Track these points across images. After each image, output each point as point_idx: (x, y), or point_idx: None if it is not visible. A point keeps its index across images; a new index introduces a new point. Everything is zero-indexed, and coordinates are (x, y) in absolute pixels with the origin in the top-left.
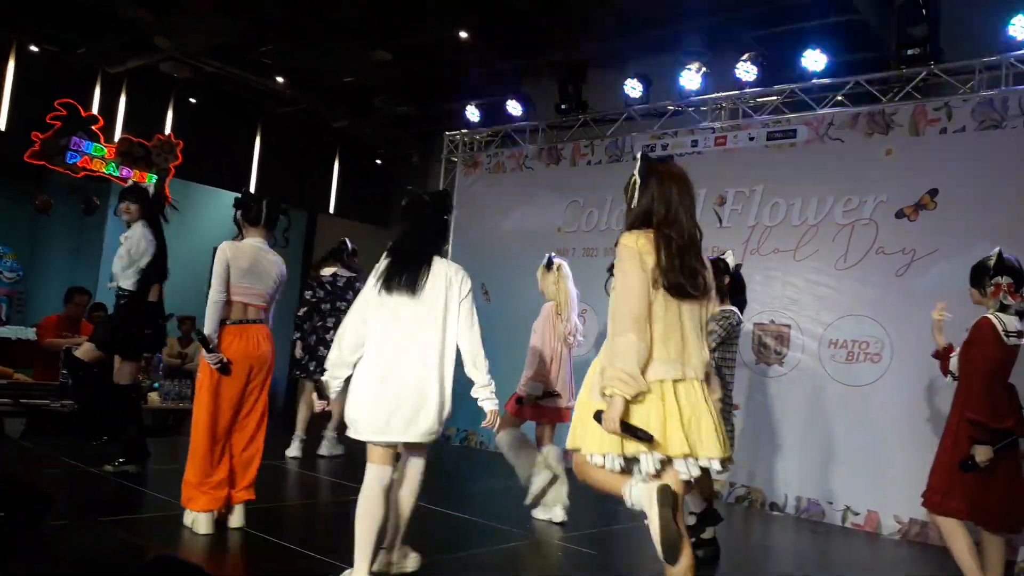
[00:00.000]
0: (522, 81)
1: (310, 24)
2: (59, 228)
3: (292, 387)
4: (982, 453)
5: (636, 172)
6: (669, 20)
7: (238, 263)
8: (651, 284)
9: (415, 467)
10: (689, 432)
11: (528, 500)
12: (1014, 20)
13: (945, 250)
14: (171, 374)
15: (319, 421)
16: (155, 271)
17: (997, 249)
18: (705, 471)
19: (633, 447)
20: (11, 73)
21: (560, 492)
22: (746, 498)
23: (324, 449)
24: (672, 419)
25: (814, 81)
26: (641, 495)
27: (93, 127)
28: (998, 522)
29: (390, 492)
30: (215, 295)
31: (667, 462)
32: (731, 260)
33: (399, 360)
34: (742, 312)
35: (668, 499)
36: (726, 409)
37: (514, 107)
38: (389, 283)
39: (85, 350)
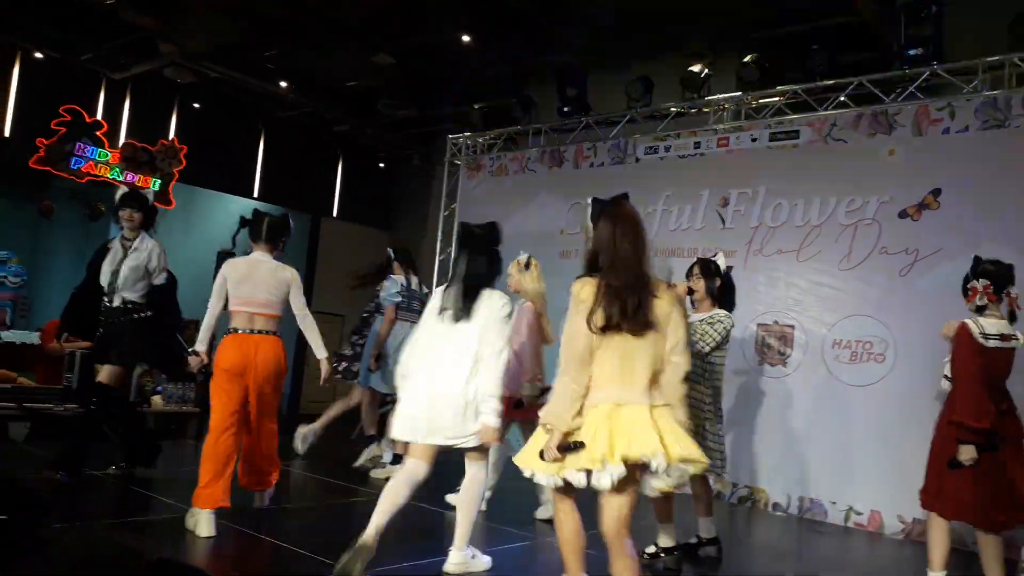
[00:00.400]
0: (524, 83)
1: (312, 28)
2: (63, 233)
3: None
4: (965, 453)
5: (590, 220)
6: (671, 22)
7: (233, 276)
8: (596, 327)
9: (468, 474)
10: (619, 439)
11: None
12: (1016, 20)
13: (948, 250)
14: (174, 378)
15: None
16: (169, 287)
17: (975, 256)
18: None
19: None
20: (16, 79)
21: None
22: (749, 498)
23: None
24: (601, 432)
25: (817, 82)
26: None
27: (97, 133)
28: (983, 520)
29: (417, 485)
30: (209, 306)
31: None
32: (722, 262)
33: (435, 373)
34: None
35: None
36: (711, 413)
37: (516, 110)
38: (443, 308)
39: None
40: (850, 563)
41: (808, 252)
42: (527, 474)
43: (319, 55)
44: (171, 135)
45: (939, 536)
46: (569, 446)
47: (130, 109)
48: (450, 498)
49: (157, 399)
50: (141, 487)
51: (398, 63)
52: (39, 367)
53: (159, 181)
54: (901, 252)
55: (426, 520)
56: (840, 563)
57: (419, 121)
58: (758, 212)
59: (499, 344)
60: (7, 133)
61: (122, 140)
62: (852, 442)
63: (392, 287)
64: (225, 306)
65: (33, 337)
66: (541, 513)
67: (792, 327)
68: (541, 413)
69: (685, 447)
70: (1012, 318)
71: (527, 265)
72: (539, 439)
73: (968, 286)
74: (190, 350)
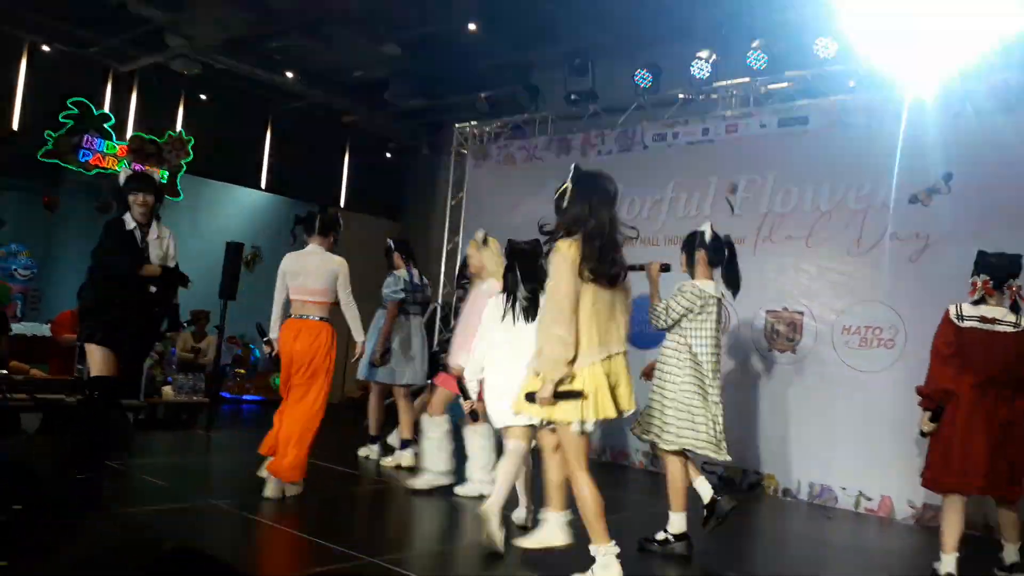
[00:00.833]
0: (531, 72)
1: (319, 18)
2: (73, 226)
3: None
4: (922, 422)
5: (569, 180)
6: (679, 8)
7: (290, 269)
8: (583, 281)
9: (508, 448)
10: (617, 396)
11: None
12: None
13: (959, 235)
14: (184, 368)
15: None
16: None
17: (979, 251)
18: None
19: (576, 413)
20: (23, 72)
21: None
22: (759, 484)
23: None
24: (603, 389)
25: (825, 67)
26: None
27: (105, 125)
28: (986, 488)
29: (525, 459)
30: (275, 298)
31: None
32: (707, 231)
33: (516, 367)
34: (731, 286)
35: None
36: (695, 390)
37: (523, 98)
38: (504, 312)
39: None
40: (862, 549)
41: (818, 238)
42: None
43: (326, 46)
44: (178, 127)
45: (953, 518)
46: (566, 394)
47: (137, 101)
48: (459, 490)
49: (167, 390)
50: (156, 477)
51: (405, 53)
52: (51, 359)
53: (167, 173)
54: (911, 237)
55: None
56: (852, 549)
57: (427, 111)
58: (767, 198)
59: None
60: (15, 126)
61: (130, 132)
62: (862, 428)
63: (394, 283)
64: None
65: (44, 329)
66: (465, 489)
67: (801, 313)
68: (531, 364)
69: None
70: (1015, 308)
71: (484, 241)
72: (529, 385)
73: (970, 281)
74: (265, 339)
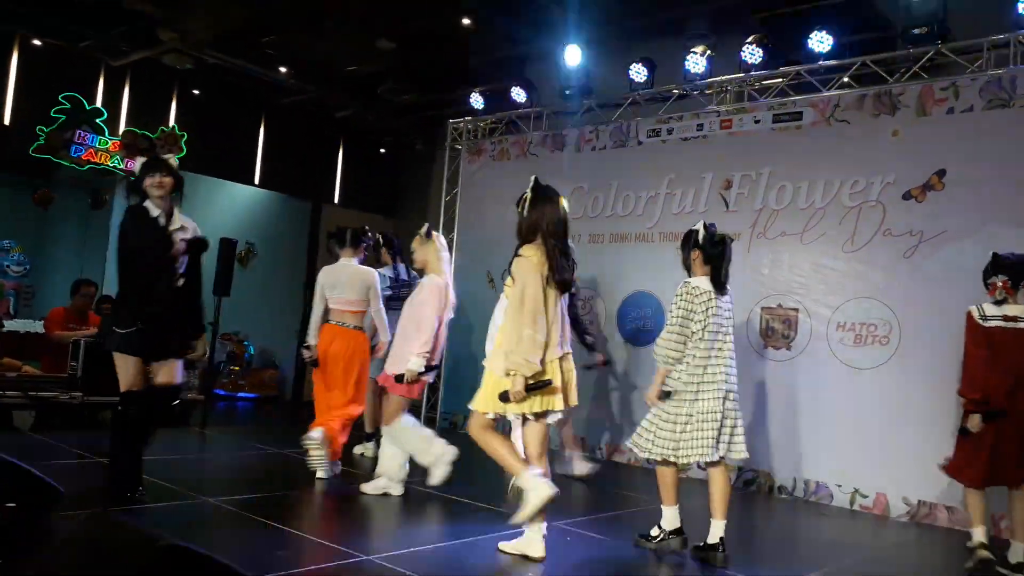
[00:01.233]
0: (525, 67)
1: (312, 13)
2: (65, 222)
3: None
4: (971, 421)
5: (529, 190)
6: (673, 3)
7: (327, 282)
8: (545, 285)
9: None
10: (568, 393)
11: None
12: None
13: (953, 231)
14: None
15: None
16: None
17: (994, 252)
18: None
19: (519, 407)
20: (15, 67)
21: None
22: (754, 482)
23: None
24: (557, 384)
25: (820, 63)
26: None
27: (97, 120)
28: (993, 479)
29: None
30: (314, 308)
31: (542, 415)
32: (701, 230)
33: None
34: (717, 283)
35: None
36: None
37: (518, 93)
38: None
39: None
40: (857, 545)
41: (812, 235)
42: (490, 416)
43: (320, 41)
44: (171, 122)
45: (976, 502)
46: (535, 386)
47: (130, 96)
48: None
49: None
50: (149, 474)
51: (399, 48)
52: (44, 356)
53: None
54: (905, 234)
55: (425, 505)
56: (847, 546)
57: (422, 106)
58: (762, 194)
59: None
60: (7, 121)
61: (122, 127)
62: (856, 425)
63: (380, 282)
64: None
65: (37, 326)
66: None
67: (796, 310)
68: (505, 363)
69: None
70: None
71: (428, 235)
72: (494, 385)
73: (988, 281)
74: (304, 345)
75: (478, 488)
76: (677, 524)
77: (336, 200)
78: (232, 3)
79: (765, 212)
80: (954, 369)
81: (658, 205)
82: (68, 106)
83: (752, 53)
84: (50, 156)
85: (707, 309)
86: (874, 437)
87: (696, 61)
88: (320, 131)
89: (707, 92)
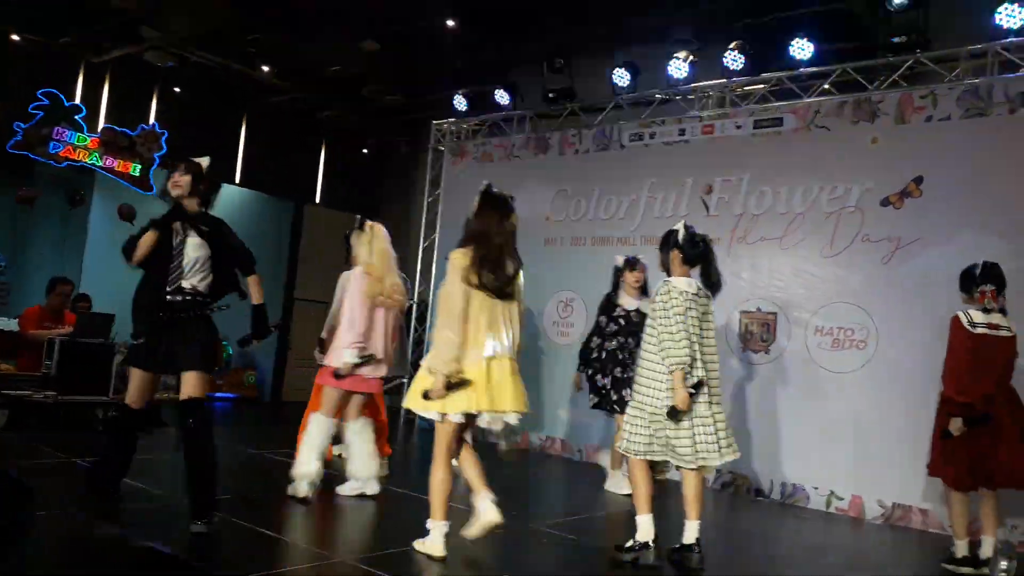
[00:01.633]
0: (510, 70)
1: (296, 12)
2: (43, 219)
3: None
4: (953, 424)
5: (478, 197)
6: (657, 8)
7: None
8: (471, 289)
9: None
10: (492, 393)
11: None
12: (1000, 8)
13: (930, 237)
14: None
15: None
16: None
17: (983, 261)
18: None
19: (439, 406)
20: None
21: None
22: (731, 484)
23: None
24: (480, 385)
25: (801, 70)
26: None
27: (76, 117)
28: (956, 481)
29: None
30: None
31: (472, 417)
32: (681, 230)
33: None
34: (708, 287)
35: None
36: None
37: (502, 96)
38: None
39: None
40: (833, 548)
41: (791, 240)
42: (419, 412)
43: (303, 40)
44: (151, 120)
45: (958, 508)
46: (454, 385)
47: (110, 93)
48: (340, 489)
49: None
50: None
51: (384, 49)
52: (19, 354)
53: (139, 166)
54: (883, 240)
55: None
56: (823, 548)
57: (406, 107)
58: (742, 200)
59: None
60: None
61: (101, 125)
62: (833, 428)
63: None
64: None
65: (12, 324)
66: (348, 489)
67: (774, 314)
68: (423, 361)
69: (522, 402)
70: (1003, 312)
71: (360, 227)
72: (420, 383)
73: (979, 290)
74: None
75: (454, 487)
76: (652, 535)
77: (318, 200)
78: (215, 1)
79: (745, 217)
80: (929, 374)
81: (639, 209)
82: (47, 102)
83: (734, 59)
84: (27, 153)
85: (687, 310)
86: (850, 440)
87: (679, 66)
88: (303, 131)
89: (689, 97)
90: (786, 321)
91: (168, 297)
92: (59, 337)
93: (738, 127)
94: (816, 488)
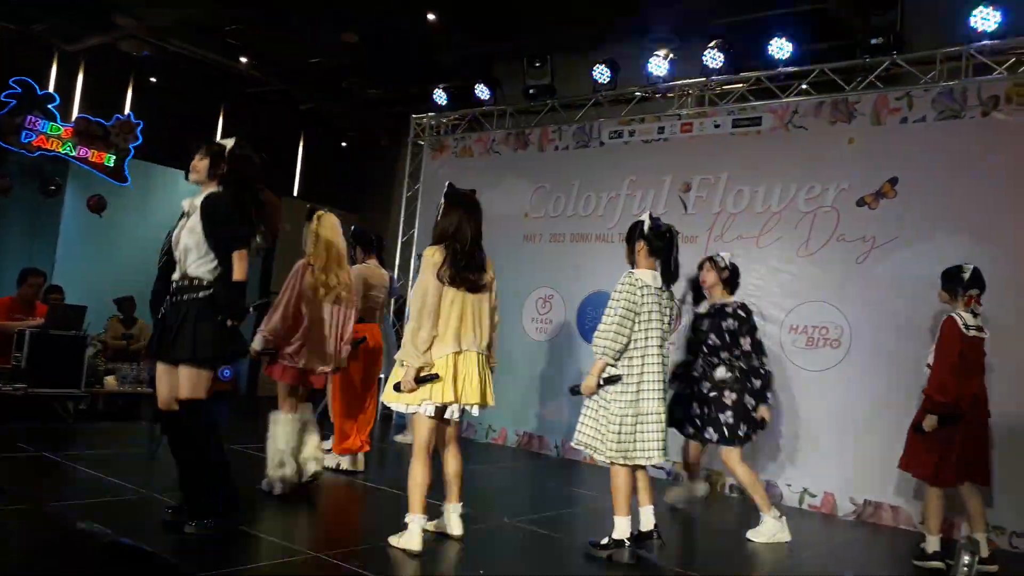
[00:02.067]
0: (490, 65)
1: (276, 3)
2: (15, 209)
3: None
4: (927, 421)
5: (443, 197)
6: (637, 6)
7: (364, 284)
8: (444, 284)
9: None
10: (457, 386)
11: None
12: (975, 11)
13: (904, 238)
14: (116, 357)
15: None
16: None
17: (972, 265)
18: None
19: (409, 398)
20: None
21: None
22: (706, 480)
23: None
24: (447, 378)
25: (780, 69)
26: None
27: (49, 106)
28: (934, 478)
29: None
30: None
31: (442, 409)
32: (647, 220)
33: None
34: (665, 277)
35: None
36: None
37: (482, 91)
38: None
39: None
40: (805, 544)
41: (768, 239)
42: (397, 408)
43: (283, 31)
44: (126, 110)
45: (935, 504)
46: (424, 378)
47: (84, 82)
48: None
49: (111, 380)
50: (95, 469)
51: (364, 42)
52: None
53: (114, 157)
54: (858, 239)
55: (385, 505)
56: (795, 544)
57: (386, 101)
58: (720, 198)
59: None
60: None
61: (75, 114)
62: (806, 426)
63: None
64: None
65: None
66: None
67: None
68: (397, 355)
69: (486, 395)
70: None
71: (308, 217)
72: (394, 377)
73: (968, 293)
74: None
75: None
76: (629, 534)
77: (295, 193)
78: None
79: (723, 215)
80: (903, 372)
81: (618, 206)
82: (19, 90)
83: (714, 58)
84: None
85: (649, 303)
86: (823, 438)
87: (658, 64)
88: (281, 123)
89: (669, 95)
90: (761, 319)
91: (173, 284)
92: (30, 329)
93: (717, 126)
94: (789, 485)
